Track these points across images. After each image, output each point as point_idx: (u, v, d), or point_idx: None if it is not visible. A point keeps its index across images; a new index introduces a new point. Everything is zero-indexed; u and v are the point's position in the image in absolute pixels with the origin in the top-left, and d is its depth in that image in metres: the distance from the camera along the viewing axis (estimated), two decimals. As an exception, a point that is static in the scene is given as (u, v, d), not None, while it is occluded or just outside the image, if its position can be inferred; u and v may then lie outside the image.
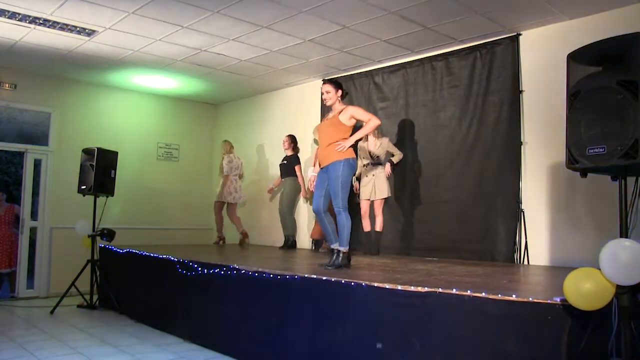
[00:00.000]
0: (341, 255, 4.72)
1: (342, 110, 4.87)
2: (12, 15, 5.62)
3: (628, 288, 2.55)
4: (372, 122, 4.81)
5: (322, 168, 4.90)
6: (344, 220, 4.71)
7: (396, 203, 6.78)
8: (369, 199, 6.42)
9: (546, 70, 5.52)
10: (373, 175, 6.40)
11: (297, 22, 5.71)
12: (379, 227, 6.41)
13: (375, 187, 6.35)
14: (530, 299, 2.85)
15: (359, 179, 6.52)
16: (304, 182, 7.62)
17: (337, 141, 4.73)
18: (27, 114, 8.07)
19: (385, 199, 6.39)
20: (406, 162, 6.72)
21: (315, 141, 7.88)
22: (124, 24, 5.86)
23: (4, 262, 7.72)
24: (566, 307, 2.69)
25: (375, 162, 6.41)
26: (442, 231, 6.26)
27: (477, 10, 5.31)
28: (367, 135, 6.30)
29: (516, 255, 5.62)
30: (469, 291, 3.09)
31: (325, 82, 5.03)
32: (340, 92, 4.96)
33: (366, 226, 6.53)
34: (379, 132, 6.48)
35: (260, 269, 4.48)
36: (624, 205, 2.81)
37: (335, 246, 4.81)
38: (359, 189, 6.49)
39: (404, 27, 5.81)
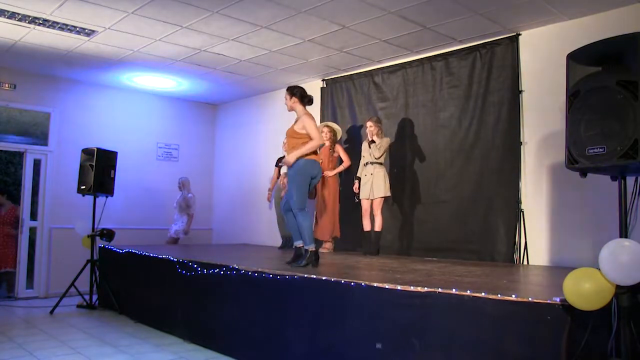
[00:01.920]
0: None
1: (298, 119, 4.93)
2: (12, 15, 5.62)
3: (627, 288, 2.55)
4: (311, 142, 4.77)
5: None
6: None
7: (396, 203, 6.78)
8: (368, 199, 6.40)
9: (546, 70, 5.52)
10: (371, 174, 6.37)
11: (296, 22, 5.71)
12: (378, 227, 6.37)
13: (373, 186, 6.33)
14: (530, 299, 2.85)
15: (359, 178, 6.53)
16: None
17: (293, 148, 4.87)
18: (26, 114, 8.07)
19: (384, 198, 6.35)
20: (406, 162, 6.73)
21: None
22: (124, 24, 5.86)
23: (4, 262, 7.74)
24: (566, 307, 2.69)
25: (374, 161, 6.39)
26: (442, 231, 6.26)
27: (476, 10, 5.31)
28: (369, 133, 6.43)
29: (516, 256, 5.62)
30: (468, 291, 3.09)
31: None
32: (294, 98, 4.96)
33: (366, 225, 6.50)
34: (381, 131, 6.45)
35: (260, 269, 4.48)
36: (624, 205, 2.81)
37: (299, 244, 4.89)
38: (359, 188, 6.50)
39: (403, 27, 5.81)
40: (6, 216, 7.94)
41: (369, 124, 6.44)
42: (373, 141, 6.38)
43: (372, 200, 6.39)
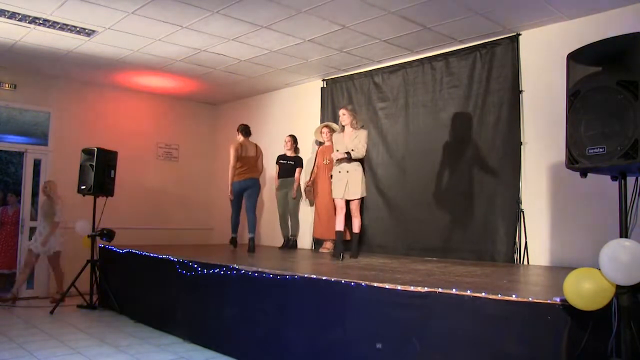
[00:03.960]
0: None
1: None
2: (12, 15, 5.62)
3: (628, 288, 2.55)
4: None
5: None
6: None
7: (396, 203, 6.78)
8: (342, 198, 5.78)
9: (546, 70, 5.52)
10: (347, 171, 5.76)
11: (296, 22, 5.71)
12: (356, 228, 5.90)
13: (349, 185, 5.72)
14: (530, 299, 2.85)
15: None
16: (299, 184, 7.67)
17: None
18: (26, 114, 8.07)
19: (361, 199, 5.85)
20: (406, 162, 6.73)
21: (316, 142, 7.89)
22: (124, 24, 5.86)
23: (8, 263, 7.76)
24: (566, 307, 2.69)
25: (349, 156, 5.70)
26: (442, 231, 6.25)
27: (477, 11, 5.31)
28: (343, 126, 5.90)
29: (516, 256, 5.62)
30: (468, 291, 3.09)
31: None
32: (237, 132, 7.31)
33: (338, 224, 5.84)
34: (358, 123, 5.88)
35: (260, 269, 4.48)
36: (624, 205, 2.80)
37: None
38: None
39: (403, 27, 5.81)
40: (14, 216, 7.98)
41: (342, 111, 5.88)
42: (342, 126, 5.86)
43: (347, 200, 5.80)
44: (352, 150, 5.70)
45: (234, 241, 7.38)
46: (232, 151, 7.00)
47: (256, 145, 7.28)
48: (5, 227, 8.03)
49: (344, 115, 5.84)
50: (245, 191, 7.10)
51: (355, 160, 5.78)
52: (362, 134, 5.82)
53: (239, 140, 7.14)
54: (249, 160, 7.10)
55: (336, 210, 5.94)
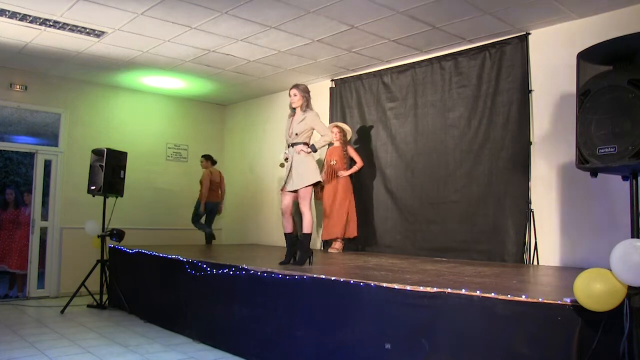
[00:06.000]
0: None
1: None
2: (23, 18, 5.67)
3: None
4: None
5: None
6: None
7: (405, 203, 6.77)
8: (287, 190, 5.09)
9: (556, 70, 5.49)
10: (292, 157, 5.09)
11: (305, 22, 5.71)
12: (305, 227, 5.09)
13: (293, 174, 5.01)
14: (540, 299, 2.84)
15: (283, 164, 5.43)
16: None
17: None
18: (37, 115, 8.14)
19: (312, 187, 5.03)
20: (415, 162, 6.71)
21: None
22: (133, 25, 5.89)
23: (25, 263, 7.81)
24: (577, 308, 2.67)
25: (295, 141, 5.04)
26: (451, 231, 6.23)
27: (486, 10, 5.29)
28: (293, 109, 5.20)
29: (526, 256, 5.59)
30: (478, 292, 3.07)
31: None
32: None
33: (286, 226, 5.18)
34: (308, 104, 5.15)
35: (269, 270, 4.49)
36: (635, 205, 2.78)
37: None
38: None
39: (412, 27, 5.80)
40: (30, 216, 8.04)
41: (292, 92, 5.13)
42: (293, 109, 5.15)
43: (294, 192, 5.06)
44: (297, 134, 5.02)
45: (210, 238, 8.85)
46: (206, 177, 8.64)
47: (220, 172, 8.95)
48: (23, 228, 8.05)
49: (295, 97, 5.10)
50: (212, 210, 8.78)
51: (302, 143, 5.04)
52: (310, 116, 5.07)
53: (208, 169, 8.72)
54: (215, 185, 8.78)
55: (282, 209, 5.20)
